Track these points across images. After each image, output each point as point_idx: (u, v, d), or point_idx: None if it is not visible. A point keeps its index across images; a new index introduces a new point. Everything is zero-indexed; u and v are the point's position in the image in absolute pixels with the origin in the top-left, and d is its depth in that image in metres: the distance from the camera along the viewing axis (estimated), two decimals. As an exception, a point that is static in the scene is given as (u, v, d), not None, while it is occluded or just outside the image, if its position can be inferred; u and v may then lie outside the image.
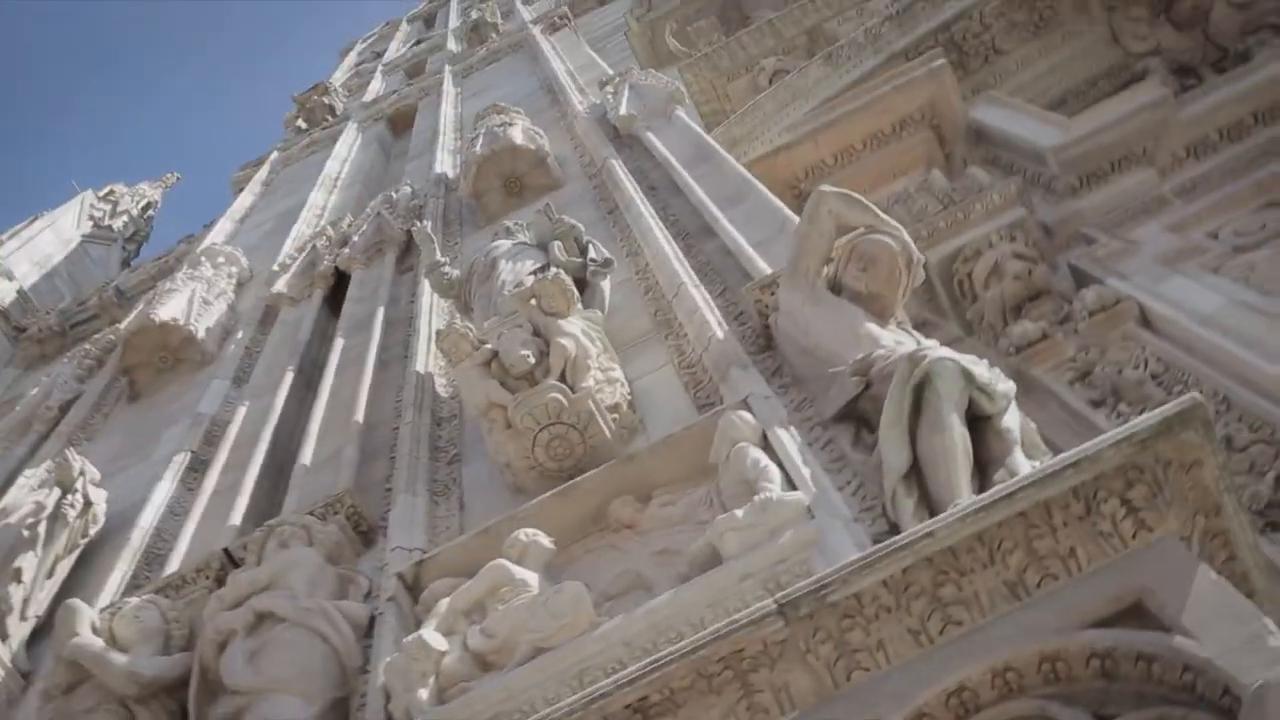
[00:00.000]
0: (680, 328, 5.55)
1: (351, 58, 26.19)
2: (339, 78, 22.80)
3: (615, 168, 7.97)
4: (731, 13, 16.16)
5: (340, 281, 9.23)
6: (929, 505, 3.59)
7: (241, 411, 7.34)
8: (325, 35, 74.35)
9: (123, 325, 9.86)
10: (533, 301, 5.24)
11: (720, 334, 5.12)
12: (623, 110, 8.90)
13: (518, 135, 9.06)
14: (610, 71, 11.23)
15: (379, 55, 23.90)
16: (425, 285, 7.47)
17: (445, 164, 11.00)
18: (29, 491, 6.37)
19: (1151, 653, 2.64)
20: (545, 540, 4.27)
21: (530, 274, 5.74)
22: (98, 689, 4.66)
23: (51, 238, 25.36)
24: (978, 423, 3.80)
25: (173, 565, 5.69)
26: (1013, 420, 3.87)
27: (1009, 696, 2.79)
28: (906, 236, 4.87)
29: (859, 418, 4.20)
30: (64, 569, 6.12)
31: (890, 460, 3.72)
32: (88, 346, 10.85)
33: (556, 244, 6.05)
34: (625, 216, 7.23)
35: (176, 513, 6.46)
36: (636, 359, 5.54)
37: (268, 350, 8.50)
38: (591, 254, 6.04)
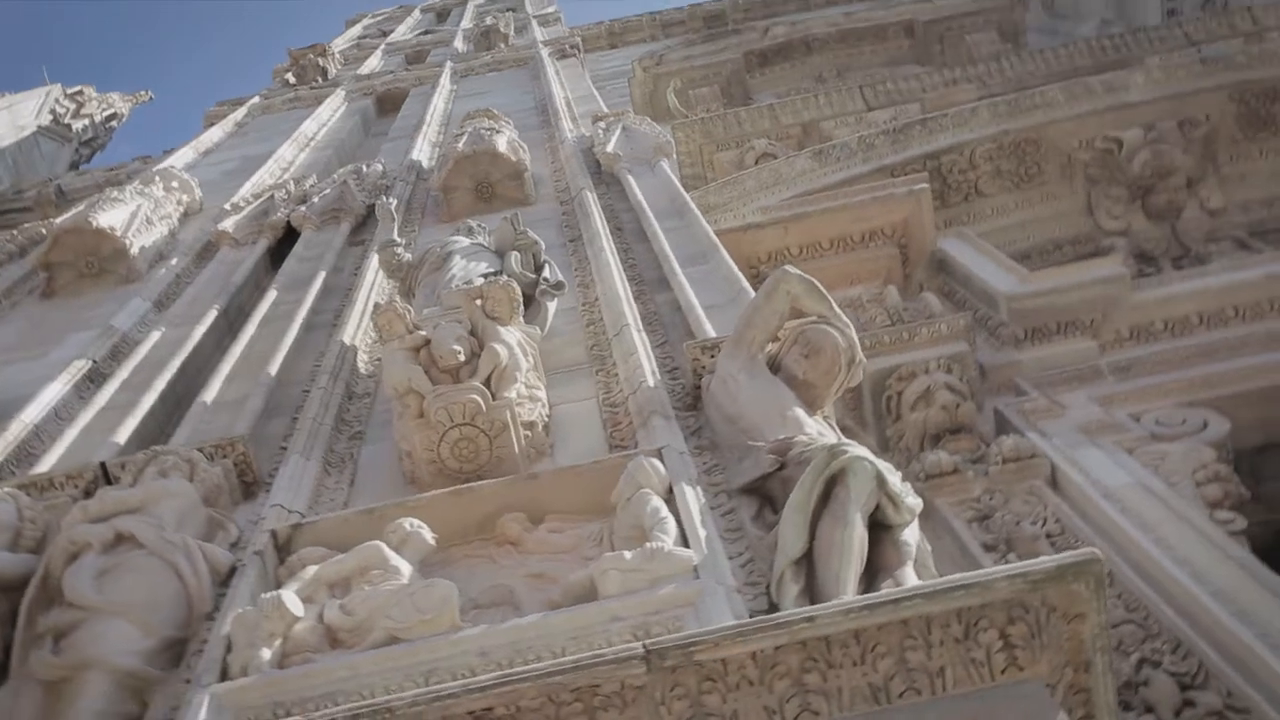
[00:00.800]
0: (613, 367, 5.55)
1: (357, 29, 26.10)
2: (339, 45, 22.68)
3: (589, 199, 7.99)
4: (735, 89, 16.44)
5: (289, 238, 9.10)
6: (812, 595, 3.59)
7: (155, 336, 7.17)
8: (336, 1, 73.97)
9: (57, 221, 9.61)
10: (478, 302, 5.20)
11: (651, 382, 5.12)
12: (610, 148, 8.94)
13: (501, 143, 9.05)
14: (606, 109, 11.29)
15: (384, 34, 23.83)
16: (372, 262, 7.40)
17: (423, 153, 10.95)
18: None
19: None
20: (428, 535, 4.20)
21: (482, 275, 5.71)
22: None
23: (7, 119, 24.80)
24: (878, 530, 3.83)
25: (43, 466, 5.52)
26: (912, 536, 3.90)
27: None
28: (855, 336, 4.92)
29: (765, 495, 4.21)
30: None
31: (787, 542, 3.72)
32: (14, 233, 10.58)
33: (515, 254, 6.02)
34: (586, 249, 7.23)
35: (62, 417, 6.27)
36: (563, 386, 5.52)
37: (198, 283, 8.34)
38: (546, 273, 6.02)
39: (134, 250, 9.01)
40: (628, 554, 3.71)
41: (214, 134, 14.76)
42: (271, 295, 7.46)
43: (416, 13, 26.78)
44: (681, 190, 7.94)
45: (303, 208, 9.29)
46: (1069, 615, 2.98)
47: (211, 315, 7.39)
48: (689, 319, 5.72)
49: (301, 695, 3.44)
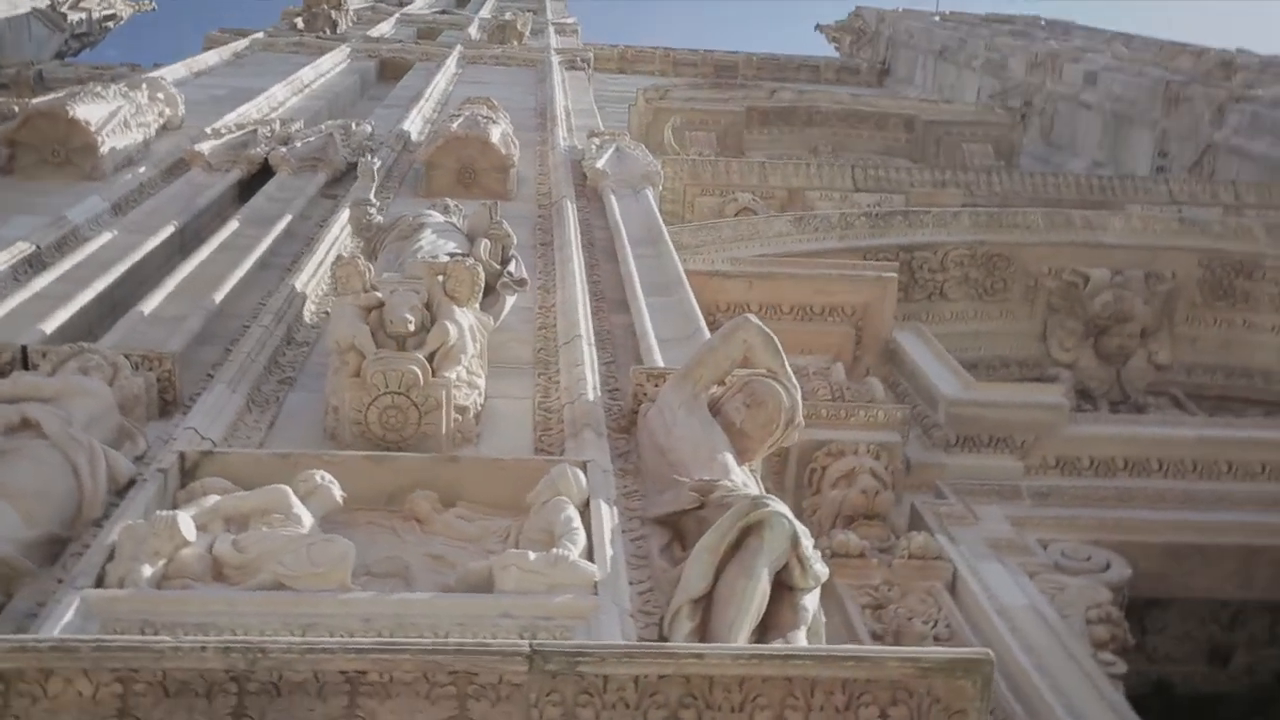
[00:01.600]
0: (556, 373, 5.53)
1: (376, -8, 25.95)
2: (355, 2, 22.56)
3: (568, 209, 7.99)
4: (730, 140, 16.56)
5: (262, 176, 8.99)
6: (703, 636, 3.58)
7: (107, 236, 7.05)
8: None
9: (33, 102, 9.42)
10: (439, 278, 5.16)
11: (591, 396, 5.11)
12: (599, 164, 8.96)
13: (495, 134, 9.03)
14: (603, 128, 11.33)
15: (401, 4, 23.75)
16: (341, 216, 7.34)
17: (415, 126, 10.89)
18: None
19: None
20: (337, 492, 4.14)
21: (448, 254, 5.67)
22: None
23: (3, -7, 24.32)
24: (781, 589, 3.84)
25: (-38, 339, 5.37)
26: (812, 603, 3.92)
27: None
28: (799, 399, 4.96)
29: (678, 530, 4.21)
30: None
31: (690, 579, 3.71)
32: (-15, 106, 10.34)
33: (486, 242, 5.98)
34: (555, 255, 7.22)
35: (-9, 295, 6.12)
36: (502, 380, 5.49)
37: (161, 197, 8.21)
38: (512, 268, 5.99)
39: (104, 149, 8.85)
40: (532, 555, 3.68)
41: (210, 58, 14.59)
42: (233, 225, 7.36)
43: (439, -10, 26.74)
44: (660, 221, 7.97)
45: (283, 149, 9.19)
46: (951, 710, 3.00)
47: (168, 230, 7.28)
48: (641, 345, 5.73)
49: (174, 619, 3.36)
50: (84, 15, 28.72)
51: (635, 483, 4.56)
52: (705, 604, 3.74)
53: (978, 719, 3.03)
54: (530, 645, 2.98)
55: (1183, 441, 7.96)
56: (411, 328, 4.84)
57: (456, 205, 6.80)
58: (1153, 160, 15.12)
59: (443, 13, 22.92)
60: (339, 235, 7.13)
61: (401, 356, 4.75)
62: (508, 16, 19.03)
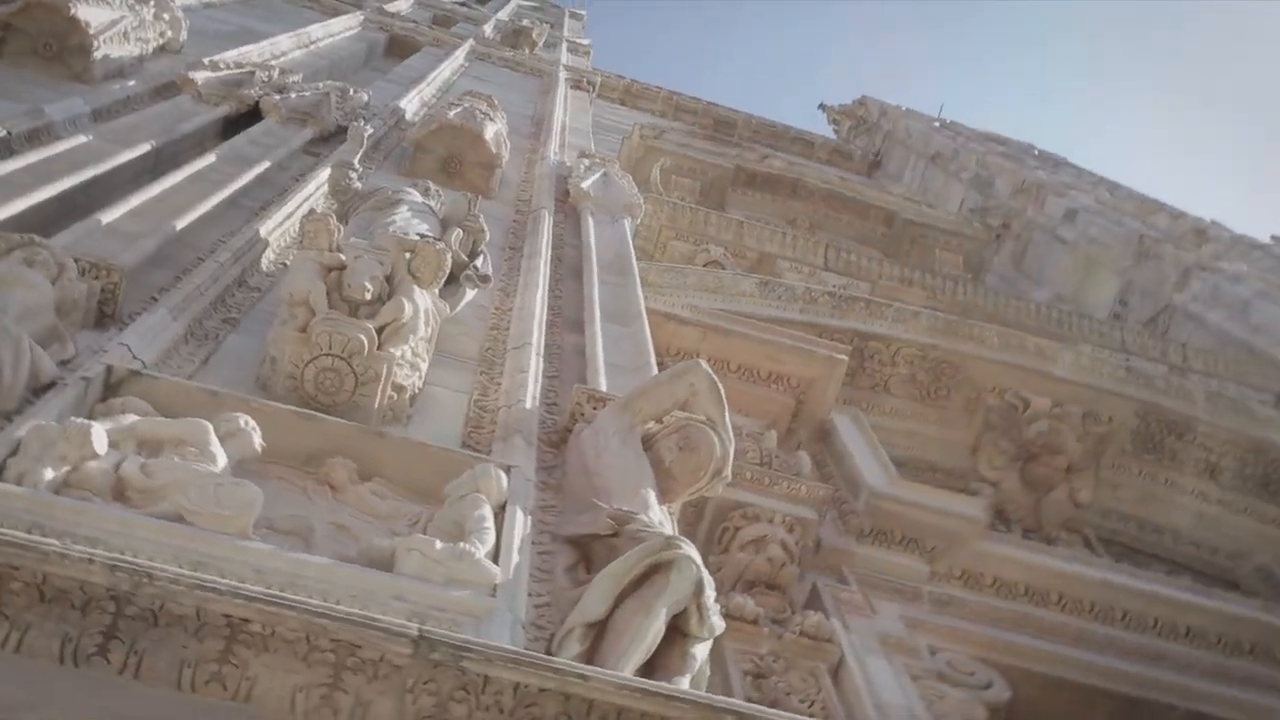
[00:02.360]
0: (499, 375, 5.50)
1: (401, -31, 25.87)
2: (378, -26, 22.46)
3: (544, 219, 7.98)
4: (714, 193, 16.67)
5: (250, 119, 8.90)
6: (589, 663, 3.56)
7: (81, 139, 6.93)
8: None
9: (35, -5, 9.26)
10: (406, 255, 5.13)
11: (529, 404, 5.09)
12: (585, 184, 8.97)
13: (489, 131, 9.02)
14: (594, 150, 11.35)
15: (424, -14, 23.68)
16: (320, 174, 7.28)
17: (412, 105, 10.86)
18: None
19: None
20: (258, 440, 4.07)
21: (419, 234, 5.64)
22: None
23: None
24: (674, 633, 3.83)
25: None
26: (702, 654, 3.93)
27: None
28: (731, 454, 4.98)
29: (587, 554, 4.19)
30: None
31: (589, 603, 3.70)
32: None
33: (459, 231, 5.97)
34: (523, 261, 7.21)
35: (-54, 169, 5.99)
36: (444, 370, 5.45)
37: (146, 114, 8.10)
38: (478, 262, 5.98)
39: (98, 54, 8.72)
40: (439, 544, 3.64)
41: (222, -8, 14.47)
42: (210, 158, 7.27)
43: (462, -20, 26.72)
44: (632, 252, 7.99)
45: (277, 96, 9.11)
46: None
47: (144, 148, 7.17)
48: (589, 367, 5.72)
49: (65, 528, 3.28)
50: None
51: (555, 499, 4.54)
52: (598, 631, 3.72)
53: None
54: (419, 630, 2.94)
55: (1087, 581, 8.06)
56: (368, 296, 4.80)
57: (437, 190, 6.77)
58: (1112, 306, 15.43)
59: (462, 4, 22.90)
60: (314, 193, 7.06)
61: (352, 322, 4.70)
62: (524, 23, 19.06)
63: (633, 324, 6.50)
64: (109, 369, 4.21)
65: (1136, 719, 7.47)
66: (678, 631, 3.86)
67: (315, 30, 13.52)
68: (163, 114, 8.21)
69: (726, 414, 4.98)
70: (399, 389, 4.82)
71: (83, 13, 8.73)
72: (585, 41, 21.58)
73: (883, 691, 6.63)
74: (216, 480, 3.65)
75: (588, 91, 16.02)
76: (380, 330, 4.79)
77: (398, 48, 15.70)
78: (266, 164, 7.52)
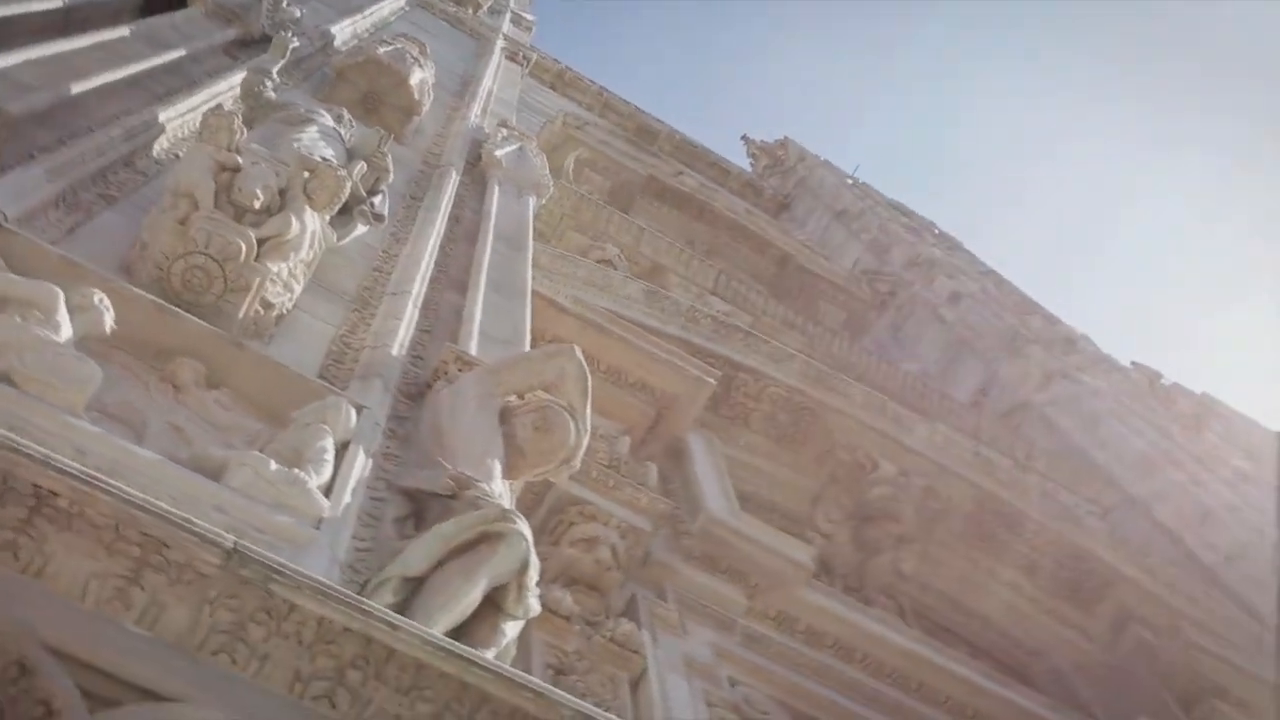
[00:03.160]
0: (371, 317, 5.40)
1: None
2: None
3: (450, 176, 7.86)
4: (621, 196, 16.68)
5: (175, 5, 8.58)
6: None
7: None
8: None
9: None
10: (305, 174, 5.00)
11: (395, 352, 5.00)
12: (499, 153, 8.88)
13: (415, 77, 8.86)
14: (515, 124, 11.25)
15: (381, -77, 23.22)
16: (235, 77, 7.04)
17: (344, 34, 10.59)
18: None
19: None
20: (109, 321, 3.91)
21: (323, 157, 5.50)
22: None
23: None
24: (489, 607, 3.81)
25: None
26: (512, 632, 3.92)
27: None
28: (583, 445, 4.97)
29: (419, 510, 4.13)
30: None
31: (411, 558, 3.65)
32: None
33: (363, 165, 5.85)
34: (420, 213, 7.08)
35: None
36: (316, 299, 5.32)
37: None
38: (376, 200, 5.87)
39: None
40: (273, 465, 3.55)
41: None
42: (124, 31, 7.00)
43: (420, -70, 26.28)
44: (530, 230, 7.93)
45: (207, -10, 8.81)
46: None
47: (55, 2, 6.85)
48: (463, 329, 5.65)
49: (-118, 363, 3.10)
50: None
51: (401, 450, 4.47)
52: (414, 588, 3.68)
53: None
54: (234, 543, 2.85)
55: (892, 647, 8.25)
56: (257, 205, 4.66)
57: (350, 120, 6.62)
58: (974, 393, 15.89)
59: (416, -49, 22.51)
60: (224, 92, 6.83)
61: (234, 226, 4.56)
62: (474, -16, 18.81)
63: (516, 299, 6.45)
64: (-33, 214, 4.00)
65: (915, 789, 7.68)
66: (493, 605, 3.83)
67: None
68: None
69: (589, 406, 4.97)
70: (267, 305, 4.69)
71: None
72: (530, 17, 21.38)
73: (676, 711, 6.67)
74: (56, 349, 3.49)
75: (521, 66, 15.89)
76: (261, 242, 4.66)
77: (339, -24, 15.34)
78: (182, 52, 7.27)
